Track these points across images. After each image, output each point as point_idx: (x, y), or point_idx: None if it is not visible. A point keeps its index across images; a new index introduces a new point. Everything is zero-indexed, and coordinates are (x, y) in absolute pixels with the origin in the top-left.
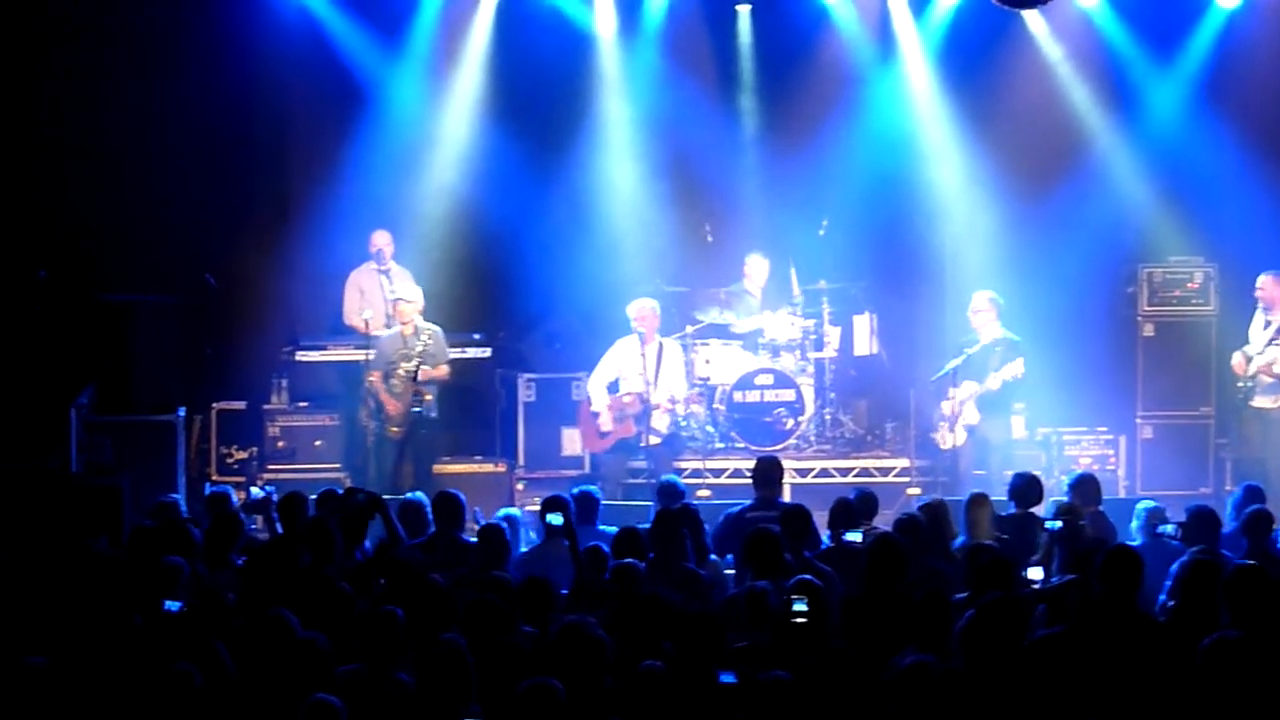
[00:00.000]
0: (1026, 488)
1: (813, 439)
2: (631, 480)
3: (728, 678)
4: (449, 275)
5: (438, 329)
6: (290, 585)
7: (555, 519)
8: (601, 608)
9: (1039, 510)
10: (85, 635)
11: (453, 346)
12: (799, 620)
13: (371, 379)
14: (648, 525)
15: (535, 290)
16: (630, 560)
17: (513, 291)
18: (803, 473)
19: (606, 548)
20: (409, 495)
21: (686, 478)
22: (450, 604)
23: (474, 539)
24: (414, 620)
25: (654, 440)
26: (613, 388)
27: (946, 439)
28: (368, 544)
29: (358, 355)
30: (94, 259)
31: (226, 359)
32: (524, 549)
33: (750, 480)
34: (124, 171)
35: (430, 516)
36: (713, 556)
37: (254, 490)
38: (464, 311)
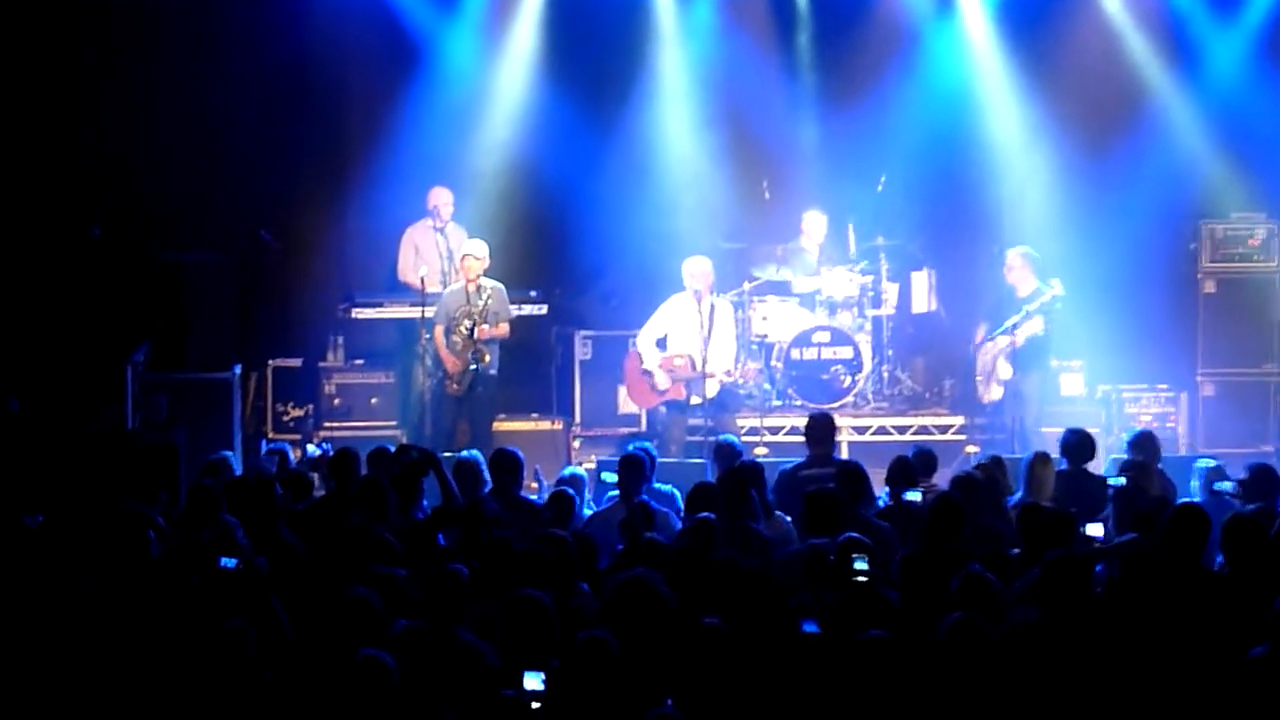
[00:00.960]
0: (1079, 444)
1: (870, 396)
2: (689, 438)
3: (811, 627)
4: (504, 232)
5: (500, 286)
6: (342, 543)
7: (611, 478)
8: (648, 565)
9: (1092, 467)
10: (142, 595)
11: (513, 302)
12: (860, 579)
13: (430, 335)
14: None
15: (591, 247)
16: (705, 515)
17: (569, 248)
18: (860, 430)
19: (660, 505)
20: (463, 454)
21: (744, 435)
22: (517, 560)
23: (532, 496)
24: (479, 577)
25: (710, 394)
26: (661, 345)
27: (985, 393)
28: (426, 504)
29: (414, 312)
30: (149, 217)
31: (282, 316)
32: (589, 510)
33: (806, 436)
34: (179, 128)
35: (486, 475)
36: (778, 512)
37: (310, 448)
38: (520, 268)
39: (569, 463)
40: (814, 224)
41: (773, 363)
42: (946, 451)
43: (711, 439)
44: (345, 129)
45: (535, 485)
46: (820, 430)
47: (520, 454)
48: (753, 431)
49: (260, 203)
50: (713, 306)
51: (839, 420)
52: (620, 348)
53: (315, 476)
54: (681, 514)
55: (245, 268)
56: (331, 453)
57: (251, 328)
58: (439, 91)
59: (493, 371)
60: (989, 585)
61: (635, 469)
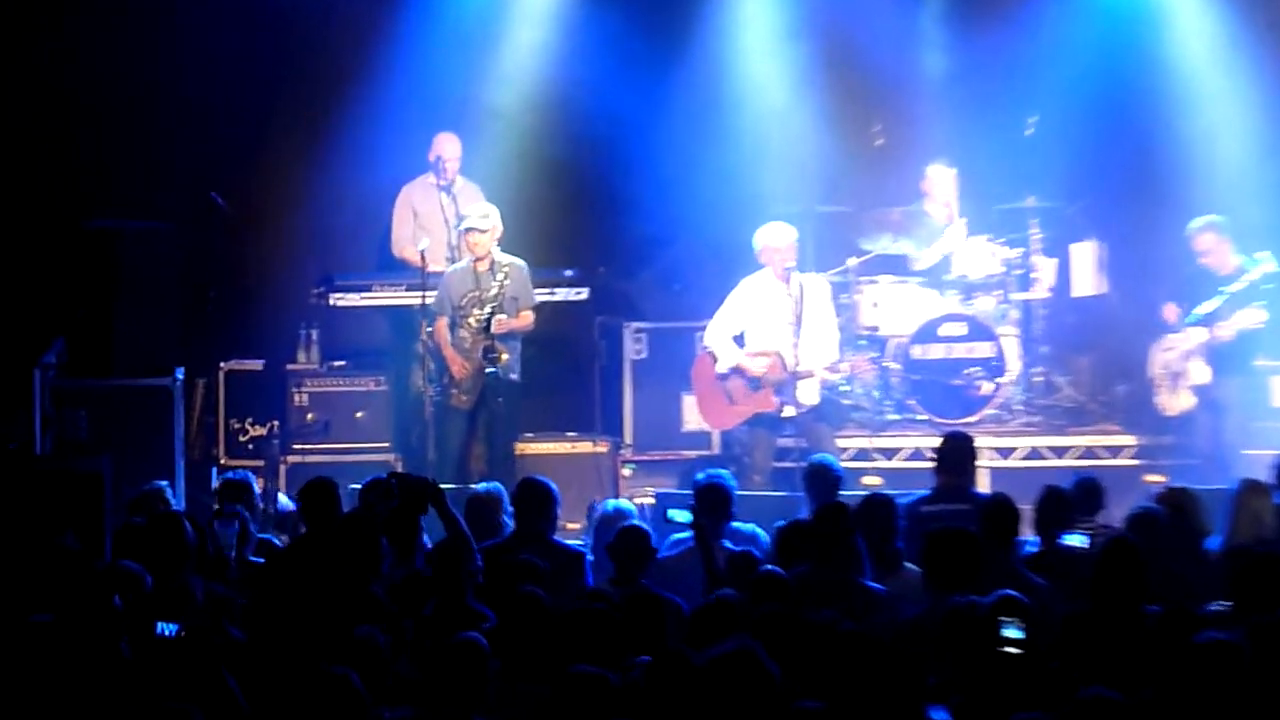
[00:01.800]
0: None
1: (1018, 408)
2: (777, 464)
3: (941, 715)
4: (532, 193)
5: (521, 264)
6: (317, 600)
7: (680, 515)
8: (738, 630)
9: None
10: (57, 666)
11: (539, 287)
12: (1011, 650)
13: (431, 330)
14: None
15: (647, 213)
16: (770, 569)
17: (617, 214)
18: (1004, 453)
19: (736, 547)
20: (478, 486)
21: (849, 460)
22: (554, 625)
23: (574, 543)
24: (501, 647)
25: (805, 404)
26: (740, 341)
27: (1169, 402)
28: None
29: (412, 298)
30: (72, 173)
31: (239, 304)
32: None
33: (933, 463)
34: (114, 62)
35: (508, 513)
36: (908, 564)
37: (282, 500)
38: (552, 241)
39: (616, 495)
40: (941, 181)
41: (887, 363)
42: (1119, 480)
43: (805, 463)
44: (325, 66)
45: (576, 525)
46: (953, 454)
47: (553, 485)
48: (861, 455)
49: (215, 157)
50: (803, 286)
51: (979, 440)
52: (685, 344)
53: (283, 540)
54: (762, 558)
55: (192, 240)
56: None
57: (200, 319)
58: (445, 13)
59: (514, 376)
60: (1224, 650)
61: (714, 503)
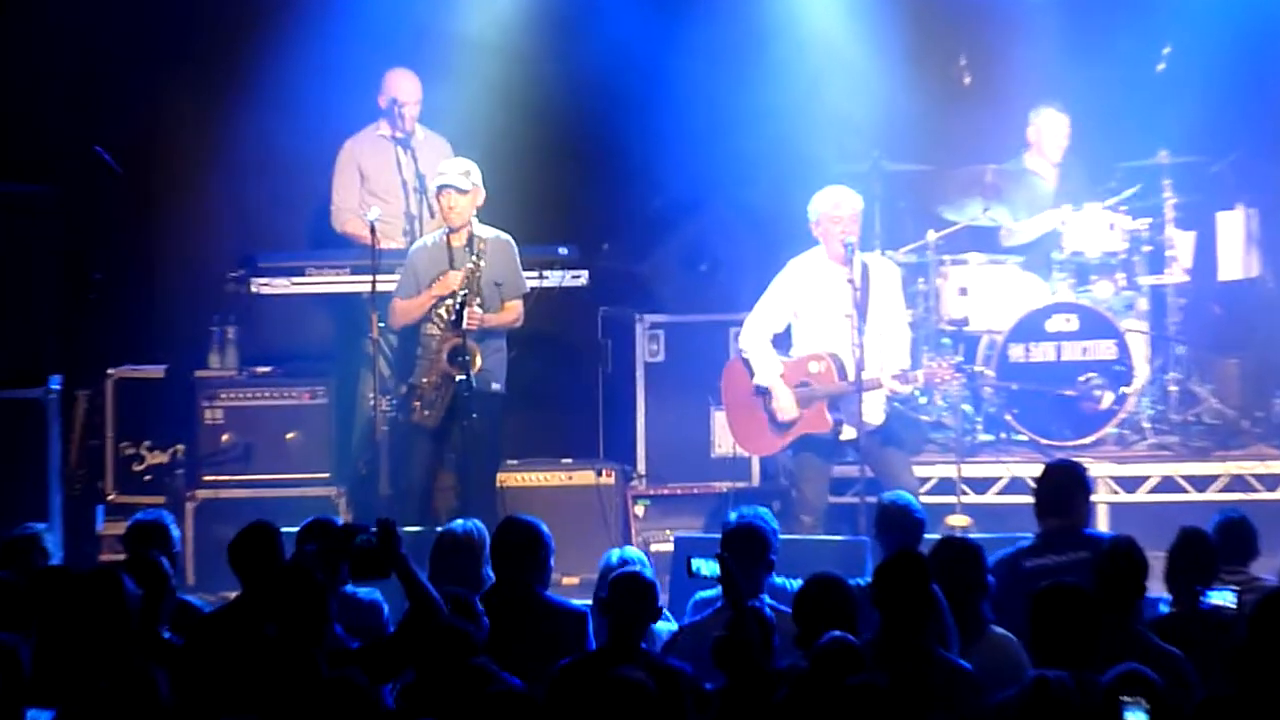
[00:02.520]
0: None
1: (1146, 426)
2: (834, 499)
3: None
4: (515, 147)
5: (507, 239)
6: (251, 676)
7: (707, 567)
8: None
9: None
10: None
11: (526, 269)
12: None
13: (386, 324)
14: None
15: (666, 173)
16: (840, 636)
17: (627, 175)
18: (1129, 484)
19: (784, 609)
20: (450, 525)
21: (928, 494)
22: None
23: (572, 601)
24: None
25: (869, 423)
26: (783, 341)
27: None
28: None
29: (359, 283)
30: None
31: (135, 292)
32: (666, 623)
33: (1034, 499)
34: None
35: (487, 564)
36: (995, 628)
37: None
38: (542, 210)
39: (626, 540)
40: (1050, 130)
41: (977, 368)
42: (1277, 520)
43: (872, 500)
44: None
45: (574, 580)
46: (1058, 489)
47: (543, 527)
48: (942, 486)
49: (106, 103)
50: (866, 270)
51: (1093, 469)
52: (715, 343)
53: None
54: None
55: (74, 209)
56: None
57: (83, 310)
58: None
59: (495, 386)
60: None
61: (749, 551)
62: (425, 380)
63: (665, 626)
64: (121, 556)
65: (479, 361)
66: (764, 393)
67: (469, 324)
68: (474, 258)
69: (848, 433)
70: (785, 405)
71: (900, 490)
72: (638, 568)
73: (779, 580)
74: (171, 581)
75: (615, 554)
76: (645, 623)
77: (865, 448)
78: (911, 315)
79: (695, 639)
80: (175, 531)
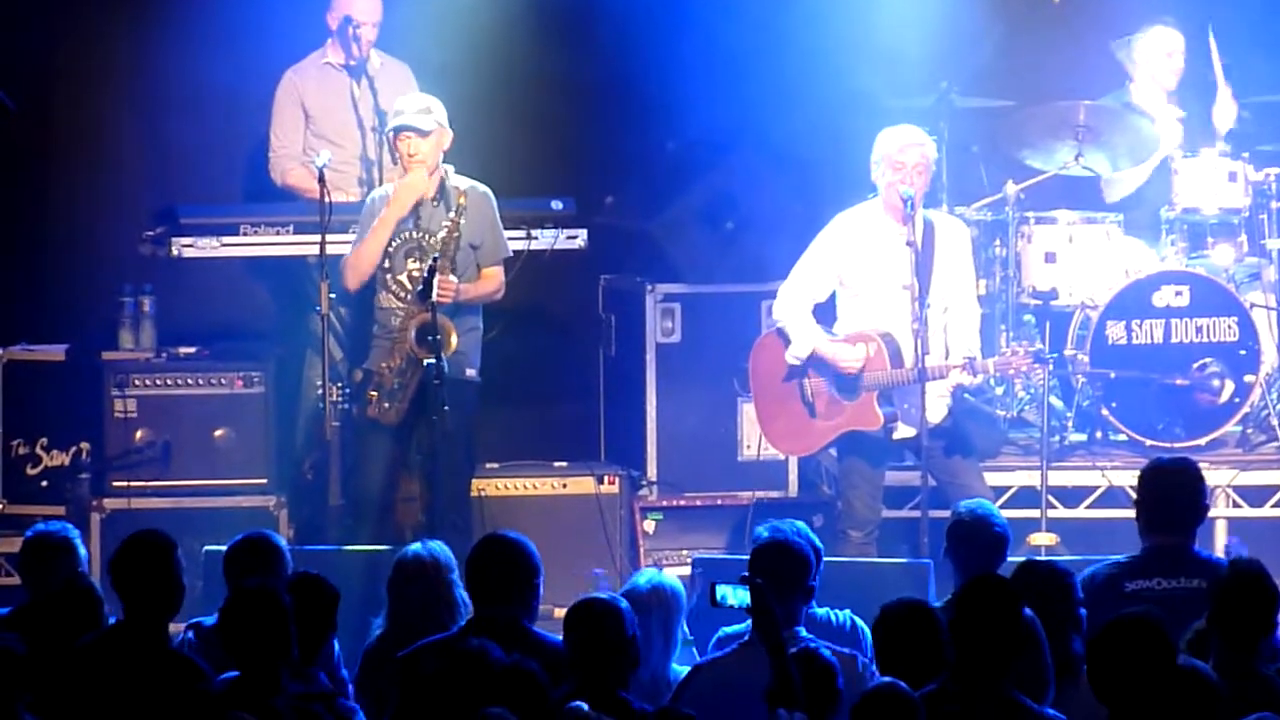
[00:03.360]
0: None
1: (1276, 425)
2: (889, 512)
3: None
4: (497, 79)
5: (485, 190)
6: None
7: (735, 596)
8: None
9: None
10: None
11: (511, 228)
12: None
13: (336, 295)
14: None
15: (683, 110)
16: (890, 683)
17: (637, 114)
18: (1253, 497)
19: (829, 648)
20: (413, 549)
21: (1005, 507)
22: None
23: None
24: None
25: (932, 419)
26: (824, 315)
27: None
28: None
29: (303, 245)
30: None
31: (28, 255)
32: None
33: (1138, 509)
34: None
35: (459, 591)
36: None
37: None
38: (530, 155)
39: (634, 560)
40: (1159, 57)
41: (1067, 351)
42: None
43: (936, 514)
44: None
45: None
46: (1172, 496)
47: (530, 546)
48: (1023, 497)
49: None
50: (931, 229)
51: (1210, 476)
52: (742, 321)
53: None
54: (871, 664)
55: None
56: None
57: None
58: None
59: (470, 372)
60: None
61: (785, 575)
62: (384, 365)
63: (680, 667)
64: (11, 580)
65: (454, 342)
66: (802, 373)
67: (440, 295)
68: (451, 214)
69: (903, 431)
70: (846, 354)
71: (981, 501)
72: (601, 594)
73: (820, 611)
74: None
75: (645, 577)
76: (622, 667)
77: (926, 450)
78: (985, 287)
79: (714, 679)
80: (83, 550)
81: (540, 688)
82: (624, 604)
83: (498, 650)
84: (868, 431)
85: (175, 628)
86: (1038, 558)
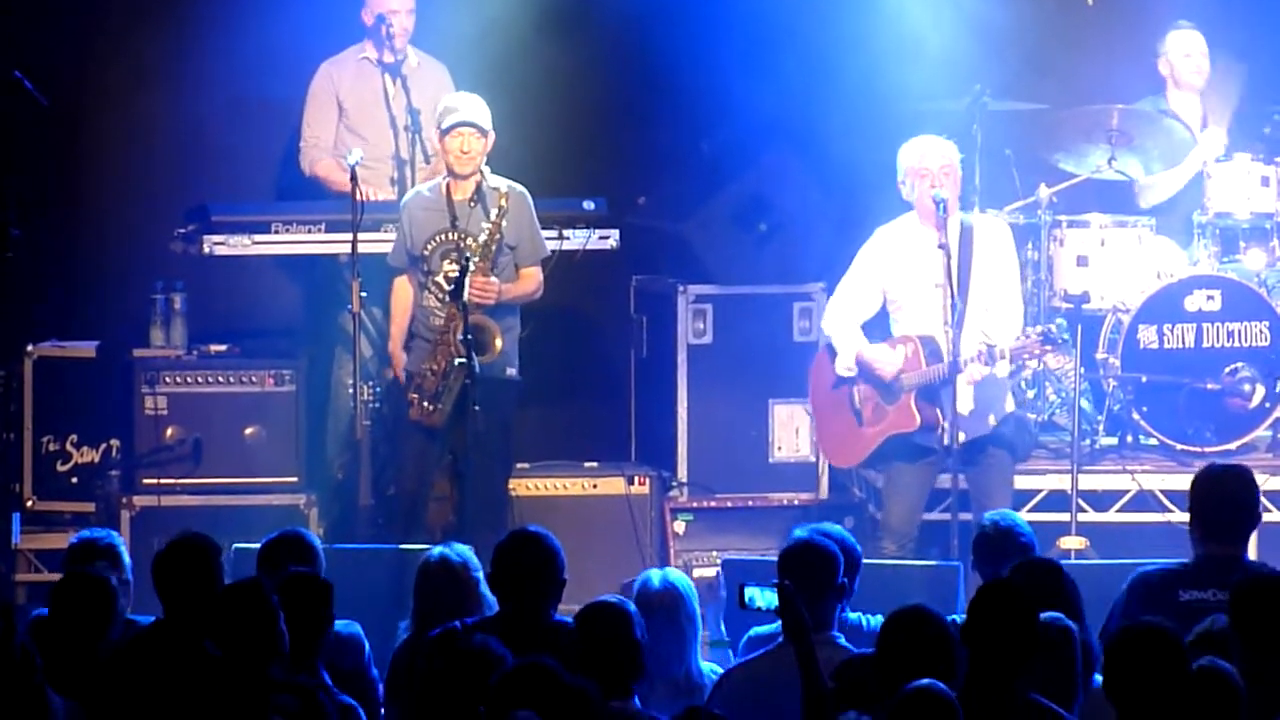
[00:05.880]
0: None
1: None
2: (924, 515)
3: None
4: (530, 78)
5: (522, 191)
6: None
7: (763, 598)
8: None
9: None
10: None
11: (545, 228)
12: None
13: (366, 295)
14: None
15: (719, 110)
16: (928, 684)
17: (670, 114)
18: None
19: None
20: (437, 551)
21: (1035, 510)
22: None
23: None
24: None
25: (961, 435)
26: (875, 328)
27: None
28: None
29: (335, 243)
30: None
31: (59, 253)
32: (710, 665)
33: (1191, 520)
34: None
35: (484, 588)
36: (1097, 678)
37: None
38: (563, 156)
39: (664, 560)
40: (1189, 60)
41: (1099, 355)
42: None
43: (970, 519)
44: None
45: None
46: (1232, 504)
47: (554, 541)
48: (1053, 501)
49: (29, 20)
50: (970, 232)
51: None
52: (775, 323)
53: None
54: None
55: None
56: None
57: None
58: None
59: (511, 370)
60: None
61: (817, 579)
62: (426, 367)
63: (710, 667)
64: (39, 576)
65: (499, 344)
66: (851, 382)
67: (481, 296)
68: (493, 215)
69: (945, 433)
70: (884, 357)
71: (1007, 512)
72: (614, 599)
73: (852, 616)
74: (120, 601)
75: (657, 575)
76: (633, 667)
77: (965, 453)
78: (1025, 287)
79: (744, 683)
80: (127, 558)
81: (558, 681)
82: (632, 607)
83: (500, 647)
84: (905, 434)
85: None
86: (1035, 557)
